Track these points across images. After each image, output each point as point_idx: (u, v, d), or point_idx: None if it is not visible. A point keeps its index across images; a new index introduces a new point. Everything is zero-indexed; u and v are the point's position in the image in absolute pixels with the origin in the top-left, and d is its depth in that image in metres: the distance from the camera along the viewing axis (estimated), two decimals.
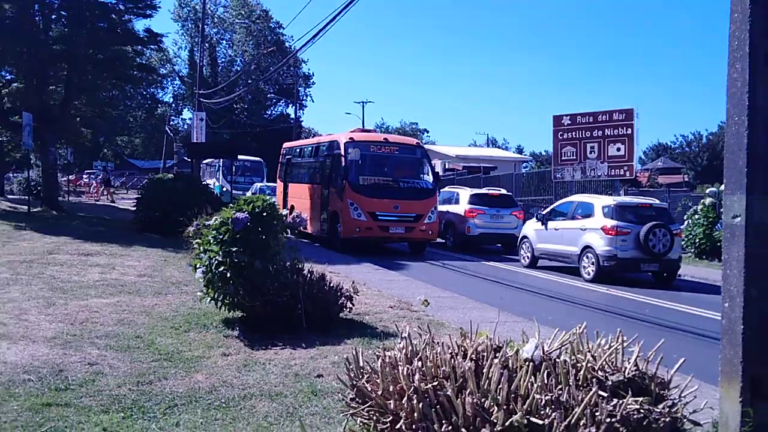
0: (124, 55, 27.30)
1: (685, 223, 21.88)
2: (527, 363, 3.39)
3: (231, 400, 5.13)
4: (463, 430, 3.05)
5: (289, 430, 4.50)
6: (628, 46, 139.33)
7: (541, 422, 3.01)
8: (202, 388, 5.40)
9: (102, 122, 38.00)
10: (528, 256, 17.99)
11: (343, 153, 18.63)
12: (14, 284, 9.59)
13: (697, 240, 21.57)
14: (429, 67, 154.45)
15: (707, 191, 22.98)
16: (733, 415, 4.16)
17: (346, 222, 18.14)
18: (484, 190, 23.69)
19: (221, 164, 37.40)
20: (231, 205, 7.97)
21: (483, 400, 3.12)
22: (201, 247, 7.66)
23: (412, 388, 3.25)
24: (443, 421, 3.08)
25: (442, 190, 23.54)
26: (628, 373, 3.38)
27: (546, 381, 3.25)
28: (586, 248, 15.65)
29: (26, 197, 24.73)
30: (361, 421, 3.54)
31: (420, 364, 3.43)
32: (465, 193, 22.20)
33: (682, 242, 19.40)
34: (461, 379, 3.26)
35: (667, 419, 3.18)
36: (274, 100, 70.60)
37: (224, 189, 32.46)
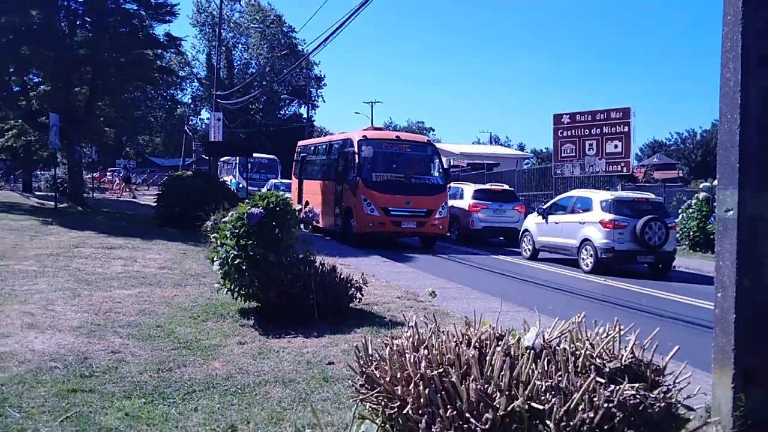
0: (146, 58, 27.40)
1: (680, 216, 21.79)
2: (528, 351, 3.37)
3: (246, 386, 5.14)
4: (467, 414, 3.04)
5: (301, 414, 4.50)
6: (625, 46, 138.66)
7: (541, 407, 3.00)
8: (219, 374, 5.41)
9: (124, 122, 38.15)
10: (529, 249, 17.96)
11: (356, 150, 18.49)
12: (41, 276, 9.64)
13: (692, 233, 21.48)
14: (434, 67, 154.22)
15: (701, 186, 22.85)
16: (726, 400, 4.15)
17: (360, 217, 18.02)
18: (487, 186, 23.66)
19: (237, 162, 37.45)
20: (246, 200, 7.97)
21: (486, 386, 3.11)
22: (218, 241, 7.67)
23: (419, 374, 3.24)
24: (448, 406, 3.06)
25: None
26: (625, 361, 3.36)
27: (546, 368, 3.23)
28: (585, 241, 15.62)
29: (53, 194, 24.88)
30: (370, 406, 3.53)
31: (426, 351, 3.42)
32: (469, 189, 22.17)
33: (677, 235, 19.35)
34: (465, 366, 3.25)
35: (662, 404, 3.15)
36: (288, 101, 70.68)
37: (240, 185, 32.52)
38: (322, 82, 70.39)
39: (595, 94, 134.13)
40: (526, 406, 3.00)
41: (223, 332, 6.92)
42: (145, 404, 4.65)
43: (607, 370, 3.27)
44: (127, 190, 43.10)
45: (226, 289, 7.59)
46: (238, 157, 35.81)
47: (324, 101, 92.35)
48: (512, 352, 3.39)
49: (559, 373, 3.21)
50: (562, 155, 24.91)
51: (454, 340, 3.57)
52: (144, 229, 17.52)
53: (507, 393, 3.05)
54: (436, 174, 19.48)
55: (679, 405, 3.32)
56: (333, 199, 20.02)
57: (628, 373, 3.30)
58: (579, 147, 24.23)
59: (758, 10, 4.21)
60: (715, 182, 4.47)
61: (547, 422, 2.97)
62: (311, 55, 30.58)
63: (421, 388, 3.18)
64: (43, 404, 4.54)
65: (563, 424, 2.96)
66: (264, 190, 20.47)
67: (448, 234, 21.74)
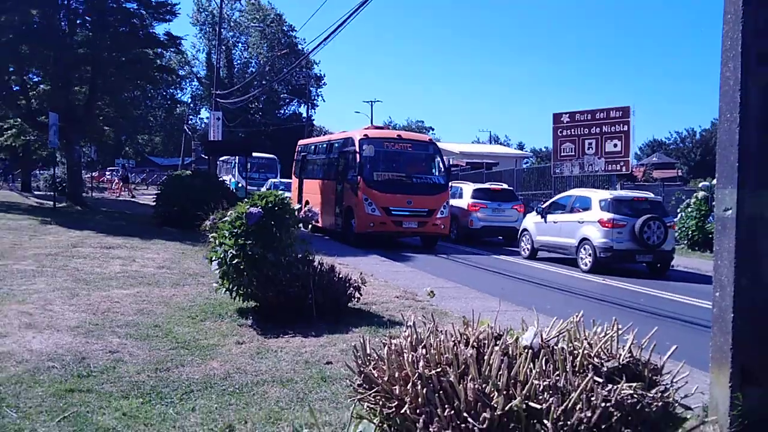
0: (146, 57, 27.35)
1: (679, 215, 21.78)
2: (526, 350, 3.37)
3: (244, 386, 5.13)
4: (464, 414, 3.03)
5: (299, 414, 4.49)
6: (625, 45, 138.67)
7: (539, 407, 2.99)
8: (217, 374, 5.40)
9: (124, 121, 38.16)
10: (528, 248, 17.95)
11: (357, 149, 18.29)
12: (40, 276, 9.62)
13: (690, 232, 21.47)
14: (434, 66, 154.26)
15: (700, 185, 22.85)
16: (723, 399, 4.14)
17: (361, 217, 17.85)
18: (486, 185, 23.63)
19: (237, 161, 37.42)
20: (245, 200, 7.96)
21: (484, 385, 3.10)
22: (217, 241, 7.66)
23: (417, 374, 3.23)
24: (446, 406, 3.06)
25: None
26: (623, 360, 3.35)
27: (544, 367, 3.23)
28: (584, 240, 15.61)
29: (52, 193, 24.87)
30: (368, 406, 3.53)
31: (424, 351, 3.42)
32: (468, 188, 22.16)
33: (676, 234, 19.35)
34: (463, 366, 3.24)
35: (660, 404, 3.15)
36: (287, 100, 70.64)
37: (239, 185, 32.50)
38: (322, 82, 70.41)
39: (594, 93, 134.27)
40: (524, 406, 3.00)
41: (222, 332, 6.91)
42: (143, 404, 4.64)
43: (605, 369, 3.27)
44: (125, 189, 43.08)
45: (224, 289, 7.58)
46: (237, 157, 35.78)
47: (324, 100, 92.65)
48: (510, 352, 3.39)
49: (557, 372, 3.20)
50: (562, 154, 24.90)
51: (453, 339, 3.56)
52: (143, 229, 17.51)
53: (505, 392, 3.04)
54: (438, 173, 19.29)
55: (677, 404, 3.31)
56: (333, 198, 19.86)
57: (625, 373, 3.29)
58: (578, 146, 24.22)
59: (758, 9, 4.21)
60: (714, 181, 4.46)
61: (545, 422, 2.96)
62: (311, 54, 30.58)
63: (419, 387, 3.17)
64: (41, 404, 4.53)
65: (561, 423, 2.95)
66: (263, 189, 20.43)
67: (448, 233, 21.73)
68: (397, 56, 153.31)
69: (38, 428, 4.15)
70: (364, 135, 18.95)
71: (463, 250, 18.97)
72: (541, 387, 3.08)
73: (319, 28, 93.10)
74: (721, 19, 4.37)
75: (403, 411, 3.21)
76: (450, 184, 21.78)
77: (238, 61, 69.75)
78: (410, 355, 3.36)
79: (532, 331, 3.47)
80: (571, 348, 3.45)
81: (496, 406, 3.00)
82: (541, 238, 17.40)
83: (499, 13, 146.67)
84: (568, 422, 2.94)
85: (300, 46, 61.01)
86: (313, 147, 23.97)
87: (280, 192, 8.18)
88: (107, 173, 57.26)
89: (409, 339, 3.59)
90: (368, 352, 3.64)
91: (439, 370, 3.25)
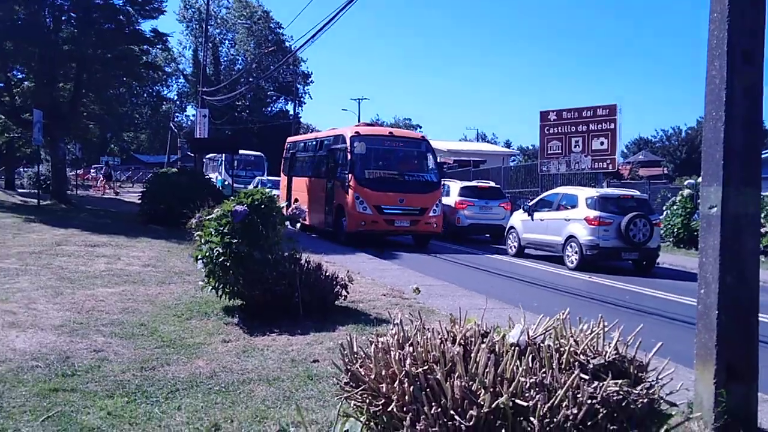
0: (132, 54, 27.14)
1: (664, 213, 21.91)
2: (513, 348, 3.38)
3: (230, 384, 5.11)
4: (451, 412, 3.04)
5: (286, 413, 4.48)
6: (612, 44, 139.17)
7: (525, 404, 3.00)
8: (203, 373, 5.38)
9: (109, 119, 37.80)
10: (515, 246, 17.99)
11: (348, 147, 18.00)
12: (23, 274, 9.54)
13: (676, 230, 21.61)
14: (421, 65, 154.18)
15: (685, 183, 23.00)
16: (708, 396, 4.17)
17: (352, 215, 17.60)
18: (473, 183, 23.67)
19: (223, 159, 37.29)
20: (232, 198, 7.93)
21: (471, 383, 3.11)
22: (202, 239, 7.63)
23: (404, 372, 3.23)
24: (433, 404, 3.06)
25: None
26: (609, 357, 3.36)
27: (531, 365, 3.24)
28: (570, 238, 15.67)
29: (36, 191, 24.64)
30: (354, 404, 3.52)
31: (411, 349, 3.42)
32: (455, 186, 22.18)
33: (661, 232, 19.46)
34: (450, 364, 3.25)
35: (645, 400, 3.17)
36: (274, 98, 70.33)
37: (226, 182, 32.40)
38: (309, 79, 70.22)
39: (581, 92, 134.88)
40: (511, 403, 3.00)
41: (207, 330, 6.88)
42: (128, 403, 4.61)
43: (591, 366, 3.28)
44: (109, 187, 42.74)
45: (210, 287, 7.55)
46: (224, 154, 35.65)
47: (311, 98, 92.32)
48: (497, 349, 3.40)
49: (544, 369, 3.21)
50: (549, 152, 25.01)
51: (439, 337, 3.56)
52: (128, 227, 17.39)
53: (491, 390, 3.05)
54: (430, 171, 19.02)
55: (662, 401, 3.33)
56: (324, 196, 19.57)
57: (611, 370, 3.31)
58: (565, 144, 24.33)
59: (744, 8, 4.24)
60: (700, 179, 4.49)
61: (531, 419, 2.97)
62: (299, 51, 30.51)
63: (406, 385, 3.17)
64: (24, 404, 4.49)
65: (547, 420, 2.96)
66: (250, 187, 20.33)
67: None
68: (385, 54, 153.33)
69: (22, 428, 4.11)
70: (356, 132, 18.67)
71: (450, 248, 18.99)
72: (528, 384, 3.09)
73: (306, 25, 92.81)
74: (707, 18, 4.40)
75: (389, 409, 3.21)
76: None
77: (225, 59, 69.39)
78: (397, 353, 3.36)
79: (519, 329, 3.48)
80: (558, 345, 3.46)
81: (482, 403, 3.00)
82: (527, 235, 17.45)
83: (487, 11, 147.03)
84: (555, 419, 2.95)
85: (287, 44, 60.87)
86: (302, 144, 23.61)
87: (267, 190, 8.15)
88: (92, 171, 56.83)
89: (396, 337, 3.58)
90: (355, 350, 3.64)
91: (426, 367, 3.25)
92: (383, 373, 3.35)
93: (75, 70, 25.21)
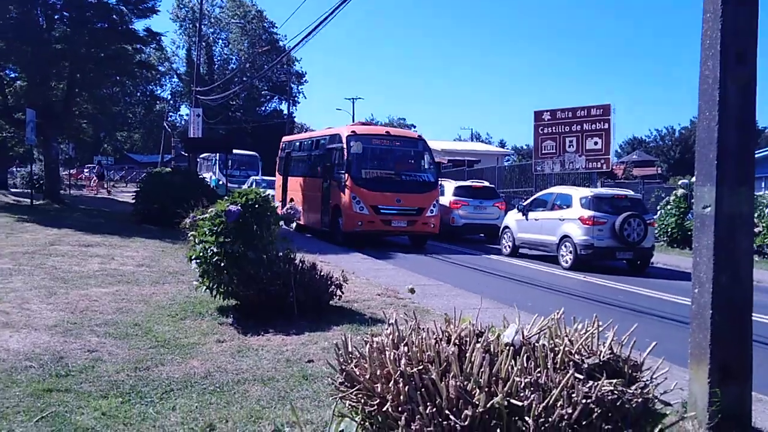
0: (125, 53, 27.05)
1: (658, 213, 21.98)
2: (508, 347, 3.38)
3: (225, 384, 5.10)
4: (446, 411, 3.04)
5: (280, 413, 4.48)
6: (606, 44, 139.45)
7: (520, 404, 3.01)
8: (197, 373, 5.37)
9: (103, 118, 37.75)
10: (509, 246, 18.02)
11: (345, 146, 17.83)
12: (17, 274, 9.51)
13: (670, 229, 21.67)
14: (415, 65, 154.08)
15: (679, 183, 23.09)
16: (702, 395, 4.19)
17: (349, 215, 17.44)
18: (467, 183, 23.69)
19: (217, 158, 37.23)
20: (226, 197, 7.92)
21: (466, 383, 3.11)
22: (196, 239, 7.62)
23: (399, 372, 3.23)
24: (428, 403, 3.06)
25: None
26: (603, 357, 3.37)
27: (525, 364, 3.24)
28: (565, 237, 15.70)
29: (29, 191, 24.57)
30: (349, 404, 3.52)
31: (406, 349, 3.42)
32: (450, 186, 22.18)
33: (655, 231, 19.51)
34: (445, 363, 3.25)
35: (639, 400, 3.18)
36: (268, 97, 70.26)
37: (220, 182, 32.34)
38: (303, 79, 70.16)
39: (574, 92, 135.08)
40: (506, 403, 3.01)
41: (202, 330, 6.87)
42: (122, 403, 4.60)
43: (586, 366, 3.29)
44: (101, 186, 42.57)
45: (204, 287, 7.54)
46: (218, 154, 35.59)
47: (305, 97, 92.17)
48: (492, 349, 3.40)
49: (538, 369, 3.22)
50: (543, 152, 25.05)
51: (434, 337, 3.56)
52: (122, 227, 17.35)
53: (486, 390, 3.05)
54: (428, 170, 18.88)
55: (656, 400, 3.34)
56: (320, 196, 19.40)
57: (606, 369, 3.31)
58: (559, 144, 24.37)
59: (737, 8, 4.25)
60: (693, 179, 4.51)
61: (526, 418, 2.98)
62: (293, 51, 30.46)
63: (401, 385, 3.17)
64: (18, 404, 4.48)
65: (542, 420, 2.96)
66: (244, 187, 20.26)
67: None
68: (379, 54, 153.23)
69: (16, 428, 4.10)
70: (352, 131, 18.51)
71: (444, 248, 18.99)
72: (523, 384, 3.10)
73: (300, 24, 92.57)
74: (700, 18, 4.41)
75: (385, 409, 3.21)
76: None
77: (219, 58, 69.29)
78: (392, 353, 3.36)
79: (514, 329, 3.48)
80: (552, 345, 3.47)
81: (477, 403, 3.01)
82: (522, 235, 17.48)
83: (482, 11, 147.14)
84: (550, 419, 2.96)
85: (281, 43, 60.80)
86: (298, 144, 23.39)
87: (261, 189, 8.15)
88: (85, 170, 56.63)
89: (390, 337, 3.58)
90: (350, 350, 3.63)
91: (421, 367, 3.25)
92: (378, 373, 3.35)
93: (68, 69, 25.12)
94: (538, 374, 3.15)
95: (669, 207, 21.92)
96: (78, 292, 8.52)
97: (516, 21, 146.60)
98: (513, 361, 3.23)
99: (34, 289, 8.53)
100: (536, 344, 3.45)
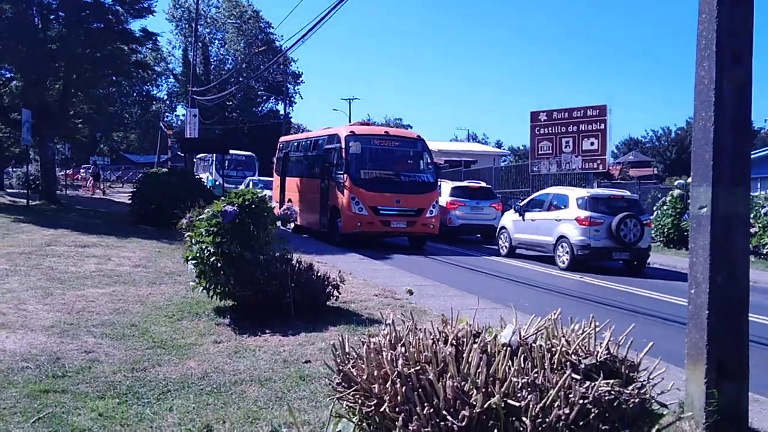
0: (121, 53, 27.00)
1: (655, 213, 22.01)
2: (505, 348, 3.39)
3: (222, 385, 5.10)
4: (444, 412, 3.04)
5: (278, 413, 4.48)
6: (602, 45, 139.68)
7: (517, 404, 3.01)
8: (194, 374, 5.36)
9: (99, 118, 37.63)
10: (506, 246, 18.03)
11: (343, 146, 17.69)
12: (13, 275, 9.49)
13: (666, 230, 21.72)
14: (411, 65, 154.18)
15: (675, 183, 23.10)
16: (699, 395, 4.20)
17: (347, 216, 17.29)
18: (464, 183, 23.70)
19: (214, 159, 37.18)
20: (222, 198, 7.92)
21: (463, 383, 3.11)
22: (193, 239, 7.61)
23: (396, 372, 3.24)
24: (425, 404, 3.07)
25: None
26: (600, 357, 3.38)
27: (522, 365, 3.25)
28: (561, 238, 15.72)
29: (25, 191, 24.52)
30: (347, 405, 3.52)
31: (403, 349, 3.42)
32: (446, 186, 22.18)
33: (652, 232, 19.54)
34: (442, 364, 3.25)
35: (636, 400, 3.18)
36: (265, 97, 70.22)
37: (217, 182, 32.29)
38: (300, 79, 70.13)
39: (571, 92, 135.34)
40: (503, 403, 3.01)
41: (199, 331, 6.87)
42: (119, 404, 4.60)
43: (583, 366, 3.29)
44: (97, 186, 42.46)
45: (201, 288, 7.53)
46: (214, 154, 35.54)
47: (301, 98, 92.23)
48: (489, 350, 3.40)
49: (535, 370, 3.22)
50: (539, 152, 25.09)
51: (431, 337, 3.57)
52: (118, 227, 17.32)
53: (484, 390, 3.06)
54: (427, 171, 18.73)
55: (653, 401, 3.35)
56: (318, 197, 19.25)
57: (603, 370, 3.32)
58: (556, 144, 24.42)
59: (732, 9, 4.27)
60: (690, 179, 4.51)
61: (524, 419, 2.98)
62: (289, 51, 30.46)
63: (398, 385, 3.18)
64: (15, 405, 4.47)
65: (539, 420, 2.97)
66: (241, 187, 20.21)
67: None
68: (375, 54, 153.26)
69: (12, 430, 4.09)
70: (351, 131, 18.37)
71: (441, 248, 19.00)
72: (520, 384, 3.10)
73: (296, 24, 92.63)
74: (696, 18, 4.43)
75: (382, 409, 3.22)
76: None
77: (215, 58, 69.25)
78: (389, 354, 3.36)
79: (511, 329, 3.49)
80: (549, 345, 3.47)
81: (475, 403, 3.01)
82: (519, 235, 17.50)
83: (479, 11, 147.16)
84: (547, 419, 2.96)
85: (277, 43, 60.78)
86: (296, 144, 23.16)
87: (258, 190, 8.14)
88: (82, 171, 56.51)
89: (388, 337, 3.59)
90: (347, 350, 3.64)
91: (418, 368, 3.25)
92: (375, 373, 3.35)
93: (64, 69, 25.05)
94: (535, 375, 3.16)
95: (665, 207, 21.97)
96: (74, 292, 8.50)
97: (514, 22, 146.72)
98: (510, 361, 3.24)
99: (31, 289, 8.51)
100: (533, 345, 3.45)
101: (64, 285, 8.98)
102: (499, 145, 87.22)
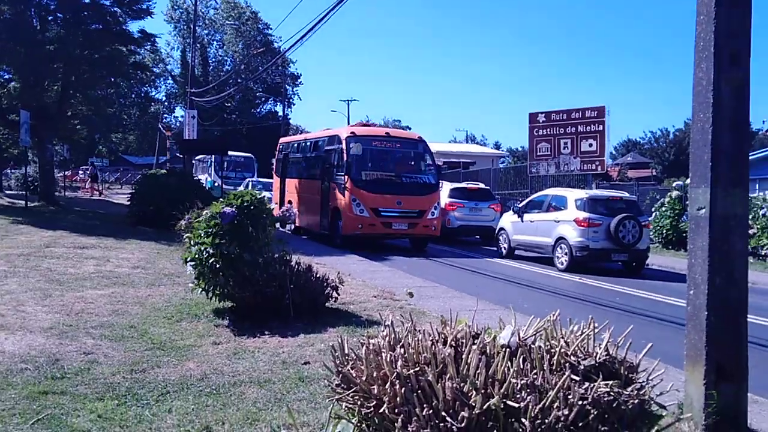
0: (119, 54, 26.98)
1: (653, 215, 22.03)
2: (504, 349, 3.39)
3: (221, 387, 5.10)
4: (443, 413, 3.04)
5: (277, 415, 4.48)
6: (600, 46, 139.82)
7: (517, 405, 3.01)
8: (193, 375, 5.36)
9: (97, 120, 37.62)
10: (505, 247, 18.04)
11: (344, 148, 17.54)
12: (12, 277, 9.48)
13: (664, 231, 21.72)
14: (410, 66, 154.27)
15: (674, 185, 23.11)
16: (698, 396, 4.20)
17: (348, 218, 17.15)
18: (463, 185, 23.69)
19: (213, 160, 37.15)
20: (221, 199, 7.92)
21: (462, 384, 3.12)
22: (192, 241, 7.61)
23: (395, 373, 3.24)
24: (424, 405, 3.07)
25: None
26: (599, 358, 3.38)
27: (522, 366, 3.25)
28: (560, 239, 15.73)
29: (24, 193, 24.50)
30: (346, 406, 3.52)
31: (402, 350, 3.42)
32: (445, 187, 22.15)
33: (650, 233, 19.56)
34: (441, 365, 3.25)
35: (636, 401, 3.18)
36: (263, 99, 70.18)
37: (216, 184, 32.27)
38: (298, 80, 70.11)
39: (569, 94, 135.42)
40: (502, 405, 3.02)
41: (198, 332, 6.87)
42: (119, 406, 4.59)
43: (582, 367, 3.29)
44: (95, 188, 42.39)
45: (200, 289, 7.53)
46: (213, 156, 35.52)
47: (300, 99, 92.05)
48: (488, 351, 3.41)
49: (535, 371, 3.22)
50: (538, 154, 25.11)
51: (431, 338, 3.57)
52: (117, 229, 17.31)
53: (483, 391, 3.06)
54: (428, 172, 18.61)
55: (652, 402, 3.35)
56: (318, 199, 19.11)
57: (602, 371, 3.32)
58: (554, 146, 24.44)
59: (730, 10, 4.27)
60: (688, 181, 4.52)
61: (523, 420, 2.98)
62: (288, 53, 30.46)
63: (398, 387, 3.18)
64: (14, 407, 4.47)
65: (538, 421, 2.97)
66: (240, 188, 20.18)
67: None
68: (374, 56, 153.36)
69: (11, 431, 4.09)
70: (351, 132, 18.23)
71: (440, 250, 19.00)
72: (519, 386, 3.10)
73: (295, 26, 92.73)
74: (694, 20, 4.43)
75: (381, 411, 3.22)
76: None
77: (213, 60, 69.17)
78: (388, 355, 3.36)
79: (510, 330, 3.49)
80: (549, 347, 3.47)
81: (474, 405, 3.01)
82: (517, 237, 17.50)
83: (478, 12, 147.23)
84: (546, 420, 2.96)
85: (276, 44, 60.78)
86: (296, 145, 22.94)
87: (257, 191, 8.14)
88: (80, 172, 56.45)
89: (387, 338, 3.59)
90: (346, 351, 3.64)
91: (417, 369, 3.25)
92: (374, 374, 3.35)
93: (62, 70, 25.02)
94: (535, 376, 3.16)
95: (664, 209, 21.98)
96: (73, 294, 8.50)
97: (513, 22, 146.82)
98: (509, 362, 3.24)
99: (30, 291, 8.51)
100: (532, 346, 3.45)
101: (63, 286, 8.97)
102: (497, 146, 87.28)
